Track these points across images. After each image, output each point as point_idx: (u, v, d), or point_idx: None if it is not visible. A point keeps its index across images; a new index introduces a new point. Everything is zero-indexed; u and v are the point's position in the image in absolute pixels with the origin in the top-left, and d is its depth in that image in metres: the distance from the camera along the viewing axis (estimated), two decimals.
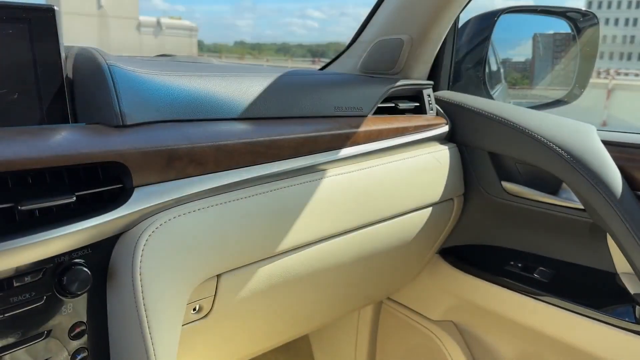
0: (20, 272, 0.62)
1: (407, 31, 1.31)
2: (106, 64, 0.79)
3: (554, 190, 1.25)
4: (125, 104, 0.78)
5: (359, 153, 1.06)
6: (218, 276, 0.85)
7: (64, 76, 0.82)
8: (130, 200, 0.71)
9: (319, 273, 1.05)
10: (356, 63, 1.42)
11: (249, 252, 0.87)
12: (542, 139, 1.16)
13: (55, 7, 0.83)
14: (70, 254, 0.67)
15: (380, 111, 1.20)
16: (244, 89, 0.95)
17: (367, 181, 1.07)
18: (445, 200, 1.28)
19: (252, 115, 0.94)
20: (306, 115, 1.03)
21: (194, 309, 0.87)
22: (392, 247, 1.21)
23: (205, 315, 0.89)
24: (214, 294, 0.86)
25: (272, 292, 0.97)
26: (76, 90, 0.83)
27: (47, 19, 0.81)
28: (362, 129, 1.08)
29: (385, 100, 1.22)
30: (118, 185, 0.73)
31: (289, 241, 0.92)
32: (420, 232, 1.26)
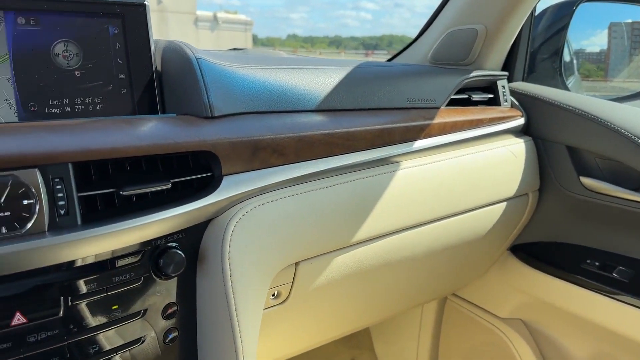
0: (122, 254, 0.66)
1: (482, 21, 1.27)
2: (195, 57, 0.82)
3: (636, 187, 1.19)
4: (213, 96, 0.80)
5: (433, 145, 1.05)
6: (296, 264, 0.87)
7: (154, 68, 0.86)
8: (220, 188, 0.74)
9: (391, 265, 1.05)
10: (426, 54, 1.40)
11: (325, 241, 0.89)
12: (627, 134, 1.11)
13: (146, 2, 0.87)
14: (166, 237, 0.70)
15: (452, 103, 1.18)
16: (321, 81, 0.96)
17: (440, 174, 1.05)
18: (519, 195, 1.25)
19: (328, 107, 0.95)
20: (380, 107, 1.03)
21: (273, 295, 0.90)
22: (463, 242, 1.20)
23: (283, 301, 0.91)
24: (292, 280, 0.89)
25: (345, 282, 0.98)
26: (164, 82, 0.87)
27: (139, 13, 0.85)
28: (436, 120, 1.07)
29: (458, 92, 1.20)
30: (208, 174, 0.76)
31: (363, 232, 0.93)
32: (493, 227, 1.24)
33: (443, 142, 1.07)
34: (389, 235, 1.00)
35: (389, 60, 1.58)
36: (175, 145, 0.70)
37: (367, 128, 0.94)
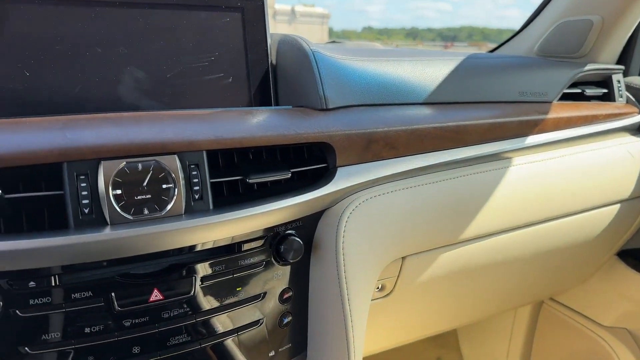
0: (248, 239, 0.69)
1: (599, 11, 1.20)
2: (311, 50, 0.84)
3: None
4: (328, 88, 0.82)
5: (546, 142, 1.01)
6: (403, 258, 0.87)
7: (269, 61, 0.89)
8: (335, 179, 0.75)
9: (495, 266, 1.02)
10: (533, 46, 1.34)
11: (433, 237, 0.88)
12: None
13: None
14: (286, 225, 0.72)
15: (564, 97, 1.12)
16: (430, 73, 0.95)
17: (553, 172, 1.01)
18: (634, 197, 1.17)
19: (438, 99, 0.94)
20: (490, 100, 1.00)
21: (378, 287, 0.90)
22: (570, 245, 1.14)
23: (387, 295, 0.91)
24: (397, 275, 0.88)
25: (448, 279, 0.97)
26: (278, 75, 0.90)
27: (257, 6, 0.88)
28: (550, 115, 1.02)
29: (571, 86, 1.14)
30: (323, 165, 0.77)
31: (472, 230, 0.91)
32: (602, 230, 1.17)
33: (557, 139, 1.02)
34: (497, 234, 0.97)
35: (490, 51, 1.53)
36: (297, 137, 0.72)
37: (478, 122, 0.91)
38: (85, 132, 0.60)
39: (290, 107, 0.84)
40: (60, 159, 0.57)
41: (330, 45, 1.28)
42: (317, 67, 0.82)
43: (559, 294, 1.48)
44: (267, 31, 0.89)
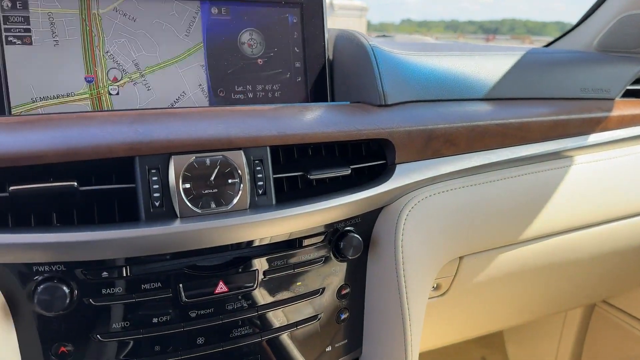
0: (308, 234, 0.69)
1: None
2: (370, 45, 0.83)
3: None
4: (387, 84, 0.81)
5: (610, 140, 0.97)
6: (460, 258, 0.86)
7: (326, 57, 0.89)
8: (394, 176, 0.75)
9: (553, 267, 0.99)
10: (591, 41, 1.29)
11: (492, 237, 0.86)
12: None
13: None
14: (345, 221, 0.72)
15: (627, 94, 1.07)
16: (490, 68, 0.93)
17: (617, 171, 0.97)
18: None
19: (499, 95, 0.91)
20: (552, 97, 0.97)
21: (433, 287, 0.89)
22: (631, 247, 1.09)
23: (442, 294, 0.90)
24: (453, 274, 0.87)
25: (504, 280, 0.95)
26: (335, 70, 0.89)
27: (316, 2, 0.88)
28: (614, 113, 0.98)
29: (634, 82, 1.09)
30: (382, 161, 0.76)
31: (532, 230, 0.89)
32: None
33: (621, 137, 0.98)
34: (557, 235, 0.94)
35: (546, 46, 1.48)
36: (358, 133, 0.72)
37: (541, 119, 0.89)
38: (156, 127, 0.62)
39: (348, 102, 0.83)
40: (132, 153, 0.59)
41: (384, 39, 1.27)
42: (377, 63, 0.82)
43: (614, 297, 1.43)
44: (325, 27, 0.88)
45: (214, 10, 0.82)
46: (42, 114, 0.71)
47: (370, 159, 0.77)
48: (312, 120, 0.71)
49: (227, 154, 0.63)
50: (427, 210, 0.77)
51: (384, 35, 1.73)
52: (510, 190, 0.85)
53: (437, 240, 0.79)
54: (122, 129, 0.60)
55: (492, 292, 0.98)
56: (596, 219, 0.97)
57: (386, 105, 0.80)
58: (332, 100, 0.90)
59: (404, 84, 0.84)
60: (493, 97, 0.91)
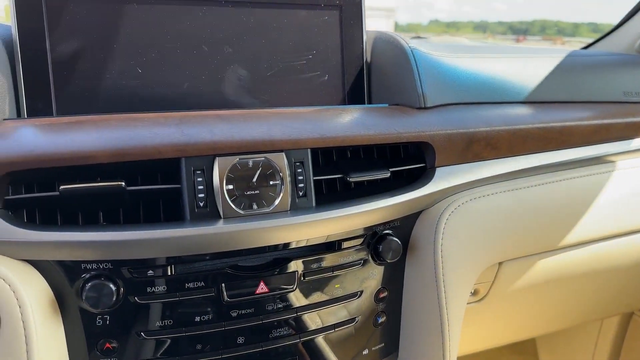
0: (348, 237, 0.69)
1: None
2: (409, 47, 0.83)
3: None
4: (427, 86, 0.80)
5: None
6: (500, 263, 0.84)
7: (364, 59, 0.89)
8: (434, 179, 0.74)
9: (594, 273, 0.97)
10: (632, 43, 1.25)
11: (533, 242, 0.84)
12: None
13: None
14: (384, 225, 0.72)
15: None
16: (530, 71, 0.91)
17: None
18: None
19: (540, 98, 0.90)
20: (594, 100, 0.95)
21: (471, 292, 0.88)
22: None
23: (480, 300, 0.89)
24: (492, 280, 0.86)
25: (543, 286, 0.93)
26: (373, 72, 0.89)
27: (355, 4, 0.88)
28: None
29: None
30: (421, 164, 0.76)
31: (574, 236, 0.87)
32: None
33: None
34: (599, 241, 0.92)
35: (584, 48, 1.45)
36: (398, 136, 0.71)
37: (583, 123, 0.87)
38: (201, 129, 0.62)
39: (387, 105, 0.83)
40: (178, 155, 0.60)
41: (419, 41, 1.26)
42: (416, 65, 0.81)
43: None
44: (363, 29, 0.88)
45: (257, 13, 0.82)
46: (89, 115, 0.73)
47: (409, 162, 0.76)
48: (352, 123, 0.71)
49: (269, 155, 0.64)
50: (468, 214, 0.76)
51: (418, 37, 1.69)
52: (551, 196, 0.84)
53: (477, 245, 0.78)
54: (169, 130, 0.61)
55: (529, 299, 0.96)
56: (637, 226, 0.94)
57: (426, 108, 0.80)
58: (369, 102, 0.90)
59: (444, 86, 0.83)
60: (534, 100, 0.89)
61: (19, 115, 0.69)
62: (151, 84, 0.76)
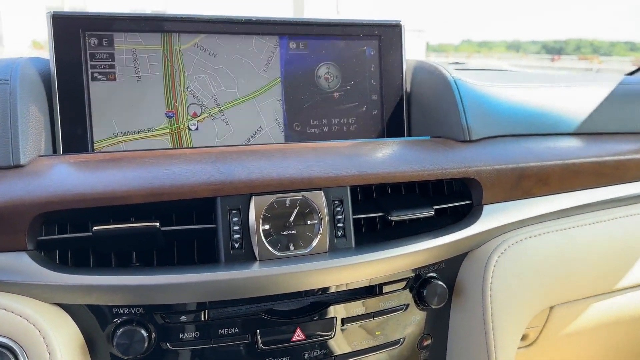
0: (389, 280, 0.65)
1: None
2: (453, 78, 0.79)
3: None
4: (472, 118, 0.76)
5: None
6: (551, 307, 0.78)
7: (404, 90, 0.85)
8: (481, 217, 0.70)
9: None
10: None
11: (587, 285, 0.78)
12: None
13: (402, 22, 0.87)
14: (428, 267, 0.68)
15: None
16: (580, 100, 0.86)
17: None
18: None
19: (592, 129, 0.85)
20: None
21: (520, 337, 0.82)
22: None
23: (529, 345, 0.83)
24: (542, 324, 0.80)
25: (597, 331, 0.86)
26: (413, 103, 0.86)
27: (395, 34, 0.85)
28: None
29: None
30: (467, 201, 0.72)
31: (630, 278, 0.80)
32: None
33: None
34: None
35: (630, 74, 1.38)
36: (443, 172, 0.67)
37: (639, 156, 0.81)
38: (237, 167, 0.60)
39: (429, 137, 0.79)
40: (214, 194, 0.57)
41: (456, 66, 1.22)
42: (460, 96, 0.77)
43: None
44: (403, 59, 0.85)
45: (292, 45, 0.80)
46: (124, 150, 0.72)
47: (454, 199, 0.72)
48: (393, 158, 0.68)
49: (307, 194, 0.61)
50: (518, 255, 0.71)
51: (456, 62, 1.66)
52: (606, 234, 0.78)
53: (528, 289, 0.72)
54: (204, 168, 0.59)
55: (582, 343, 0.89)
56: None
57: (471, 141, 0.75)
58: (409, 134, 0.86)
59: (489, 118, 0.79)
60: (585, 131, 0.84)
61: (55, 151, 0.69)
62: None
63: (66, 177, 0.56)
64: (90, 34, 0.71)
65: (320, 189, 0.61)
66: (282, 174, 0.60)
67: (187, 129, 0.76)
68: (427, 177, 0.67)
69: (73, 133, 0.70)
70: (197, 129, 0.76)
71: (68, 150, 0.69)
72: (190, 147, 0.69)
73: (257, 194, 0.59)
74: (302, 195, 0.61)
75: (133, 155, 0.63)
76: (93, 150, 0.71)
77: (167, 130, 0.75)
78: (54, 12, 0.69)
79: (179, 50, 0.75)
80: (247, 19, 0.77)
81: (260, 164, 0.62)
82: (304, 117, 0.81)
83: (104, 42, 0.72)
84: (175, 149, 0.69)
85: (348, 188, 0.63)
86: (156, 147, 0.74)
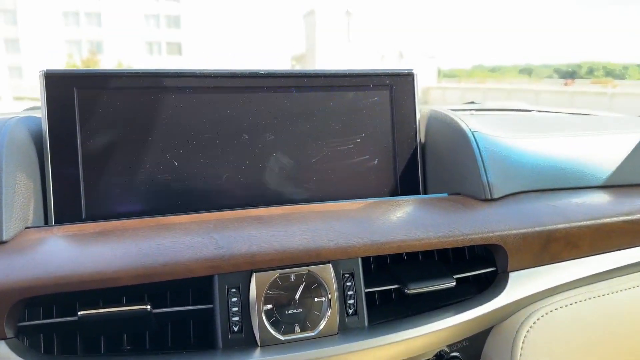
0: None
1: None
2: (470, 130, 0.74)
3: None
4: (493, 174, 0.71)
5: None
6: None
7: (418, 141, 0.80)
8: (508, 287, 0.63)
9: None
10: None
11: (626, 356, 0.71)
12: None
13: (414, 71, 0.82)
14: (450, 345, 0.62)
15: None
16: (608, 150, 0.80)
17: None
18: None
19: (621, 181, 0.78)
20: None
21: None
22: None
23: None
24: None
25: None
26: (428, 155, 0.81)
27: (407, 83, 0.81)
28: None
29: None
30: (491, 269, 0.65)
31: None
32: None
33: None
34: None
35: None
36: (463, 239, 0.62)
37: None
38: (237, 238, 0.55)
39: (446, 195, 0.74)
40: (211, 272, 0.52)
41: (471, 106, 1.17)
42: (479, 150, 0.72)
43: None
44: (416, 109, 0.81)
45: (299, 97, 0.76)
46: (118, 214, 0.67)
47: (476, 265, 0.66)
48: (409, 222, 0.62)
49: (314, 268, 0.55)
50: (548, 328, 0.65)
51: (471, 102, 1.60)
52: None
53: None
54: (201, 241, 0.54)
55: None
56: None
57: (492, 200, 0.70)
58: (424, 189, 0.81)
59: (512, 173, 0.73)
60: (615, 183, 0.78)
61: (46, 215, 0.64)
62: (188, 177, 0.70)
63: (51, 256, 0.52)
64: (85, 91, 0.67)
65: (328, 262, 0.56)
66: (286, 246, 0.55)
67: None
68: (447, 245, 0.61)
69: (66, 197, 0.65)
70: None
71: (60, 214, 0.65)
72: (187, 214, 0.64)
73: (258, 270, 0.54)
74: (309, 270, 0.55)
75: (125, 225, 0.59)
76: (87, 214, 0.67)
77: None
78: (46, 70, 0.66)
79: (179, 108, 0.71)
80: (252, 73, 0.73)
81: (262, 234, 0.56)
82: (311, 172, 0.76)
83: (99, 100, 0.68)
84: (176, 211, 0.64)
85: (359, 260, 0.58)
86: None
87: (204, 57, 31.88)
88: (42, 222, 0.63)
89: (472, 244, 0.62)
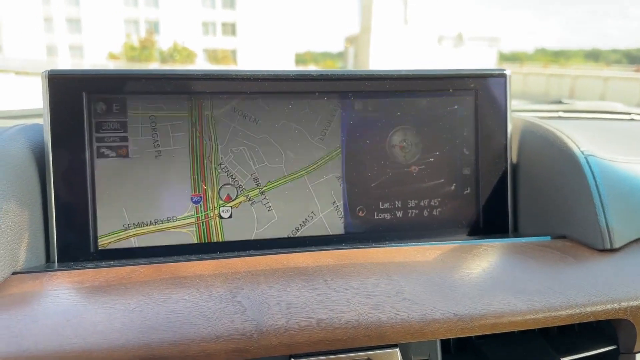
0: None
1: None
2: (583, 155, 0.56)
3: None
4: (613, 215, 0.53)
5: None
6: None
7: (509, 161, 0.63)
8: None
9: None
10: None
11: None
12: None
13: (507, 71, 0.65)
14: None
15: None
16: None
17: None
18: None
19: None
20: None
21: None
22: None
23: None
24: None
25: None
26: (522, 178, 0.64)
27: (497, 86, 0.63)
28: None
29: None
30: (612, 347, 0.48)
31: None
32: None
33: None
34: None
35: None
36: (580, 314, 0.45)
37: None
38: (272, 306, 0.41)
39: (548, 238, 0.57)
40: (236, 358, 0.39)
41: (559, 107, 0.98)
42: (595, 182, 0.54)
43: None
44: (508, 120, 0.64)
45: (358, 105, 0.61)
46: (134, 248, 0.55)
47: (590, 341, 0.50)
48: (504, 285, 0.46)
49: (376, 355, 0.41)
50: None
51: (559, 102, 1.37)
52: None
53: None
54: (225, 309, 0.41)
55: None
56: None
57: (613, 250, 0.52)
58: (515, 224, 0.64)
59: (637, 212, 0.55)
60: None
61: (48, 248, 0.53)
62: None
63: (31, 323, 0.39)
64: (97, 97, 0.55)
65: (395, 346, 0.41)
66: (338, 321, 0.40)
67: (217, 217, 0.58)
68: (558, 322, 0.45)
69: (71, 227, 0.53)
70: (230, 216, 0.58)
71: (65, 249, 0.53)
72: (210, 258, 0.51)
73: (298, 357, 0.40)
74: (368, 358, 0.41)
75: (133, 277, 0.46)
76: (97, 247, 0.55)
77: (193, 220, 0.57)
78: (50, 71, 0.54)
79: (211, 117, 0.57)
80: (299, 74, 0.58)
81: (306, 300, 0.42)
82: (371, 199, 0.61)
83: (114, 107, 0.55)
84: (191, 261, 0.51)
85: (438, 342, 0.42)
86: (176, 241, 0.56)
87: (257, 39, 31.93)
88: (39, 260, 0.52)
89: (592, 319, 0.45)
